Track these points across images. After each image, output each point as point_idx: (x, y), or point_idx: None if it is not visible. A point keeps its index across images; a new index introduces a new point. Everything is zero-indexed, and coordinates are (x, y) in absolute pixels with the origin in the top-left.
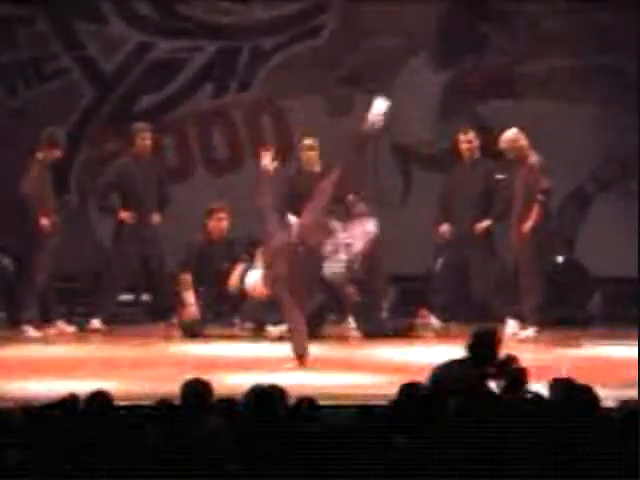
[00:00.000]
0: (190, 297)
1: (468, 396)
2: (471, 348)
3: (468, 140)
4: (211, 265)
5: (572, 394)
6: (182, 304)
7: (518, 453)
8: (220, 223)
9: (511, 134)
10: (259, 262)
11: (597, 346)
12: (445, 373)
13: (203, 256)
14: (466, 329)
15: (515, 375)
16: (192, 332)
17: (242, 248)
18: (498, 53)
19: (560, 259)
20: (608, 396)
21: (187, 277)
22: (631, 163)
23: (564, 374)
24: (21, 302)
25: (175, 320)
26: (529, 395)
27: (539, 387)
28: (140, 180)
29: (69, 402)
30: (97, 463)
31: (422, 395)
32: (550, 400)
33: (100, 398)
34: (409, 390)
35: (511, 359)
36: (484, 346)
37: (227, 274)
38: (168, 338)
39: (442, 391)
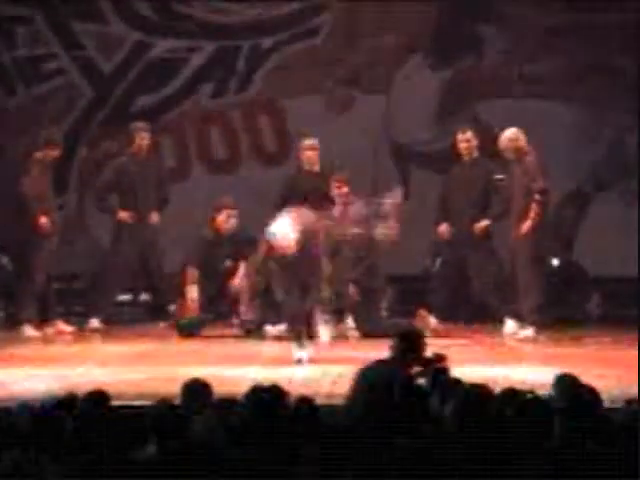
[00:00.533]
0: (194, 292)
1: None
2: (395, 348)
3: (466, 140)
4: (214, 262)
5: (574, 393)
6: (183, 300)
7: (518, 453)
8: (228, 221)
9: (510, 134)
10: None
11: (596, 346)
12: (371, 374)
13: (207, 253)
14: (465, 329)
15: (436, 373)
16: (189, 333)
17: (244, 247)
18: (497, 53)
19: (559, 259)
20: (608, 396)
21: (193, 272)
22: (631, 163)
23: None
24: (20, 301)
25: (173, 321)
26: (529, 395)
27: (537, 387)
28: (139, 180)
29: (68, 402)
30: (97, 463)
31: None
32: (550, 400)
33: (99, 398)
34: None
35: (437, 358)
36: (408, 346)
37: (229, 273)
38: (167, 338)
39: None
